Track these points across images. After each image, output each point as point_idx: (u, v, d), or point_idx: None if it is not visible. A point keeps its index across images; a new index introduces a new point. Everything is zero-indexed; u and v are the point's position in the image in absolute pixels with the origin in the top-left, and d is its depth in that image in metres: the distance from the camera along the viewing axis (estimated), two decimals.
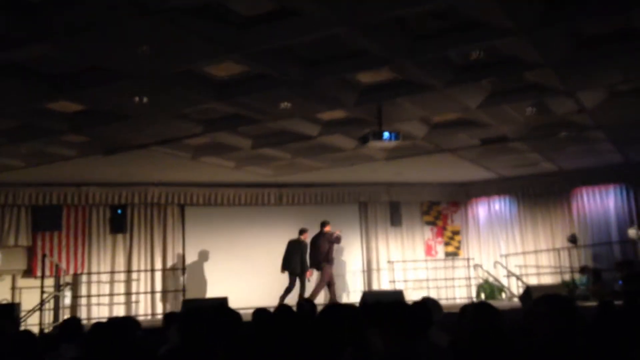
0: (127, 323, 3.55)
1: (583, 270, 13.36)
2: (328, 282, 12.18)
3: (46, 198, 12.97)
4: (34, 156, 10.50)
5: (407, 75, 7.66)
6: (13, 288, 12.59)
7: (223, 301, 9.07)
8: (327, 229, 12.42)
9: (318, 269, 12.20)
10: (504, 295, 14.42)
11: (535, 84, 8.22)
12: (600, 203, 14.45)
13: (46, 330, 10.50)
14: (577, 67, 7.49)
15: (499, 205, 15.74)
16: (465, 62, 7.41)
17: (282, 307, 3.75)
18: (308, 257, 12.27)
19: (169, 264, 14.02)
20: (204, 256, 14.25)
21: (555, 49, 6.87)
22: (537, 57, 7.02)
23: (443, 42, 6.59)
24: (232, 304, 9.21)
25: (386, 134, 8.79)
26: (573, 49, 6.95)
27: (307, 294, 11.71)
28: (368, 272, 15.28)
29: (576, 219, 14.62)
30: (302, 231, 12.66)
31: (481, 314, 3.63)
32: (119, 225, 13.64)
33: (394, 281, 14.69)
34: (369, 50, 6.70)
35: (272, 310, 4.74)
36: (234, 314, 3.70)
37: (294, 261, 12.12)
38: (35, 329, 9.99)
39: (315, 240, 12.39)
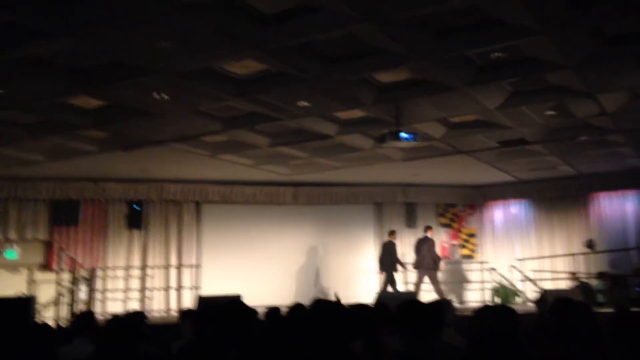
0: (138, 317, 3.56)
1: (600, 276, 13.21)
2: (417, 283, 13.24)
3: (64, 193, 13.09)
4: (54, 151, 10.60)
5: (426, 74, 7.61)
6: (30, 281, 12.71)
7: (237, 298, 9.05)
8: (430, 233, 13.61)
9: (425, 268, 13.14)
10: (518, 299, 14.29)
11: (555, 86, 8.12)
12: (619, 208, 14.29)
13: (61, 324, 10.58)
14: (598, 68, 7.38)
15: (515, 208, 15.62)
16: (486, 62, 7.35)
17: (295, 305, 3.74)
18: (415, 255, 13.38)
19: (184, 260, 14.08)
20: (219, 253, 14.30)
21: (577, 49, 6.78)
22: (559, 58, 6.94)
23: (464, 41, 6.53)
24: (247, 301, 9.23)
25: (404, 134, 8.76)
26: (595, 49, 6.85)
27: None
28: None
29: (593, 224, 14.47)
30: (391, 232, 13.82)
31: (501, 317, 3.59)
32: (135, 221, 13.73)
33: (407, 283, 14.63)
34: (389, 48, 6.66)
35: (286, 308, 4.74)
36: (249, 311, 3.69)
37: (386, 260, 13.33)
38: (51, 323, 10.08)
39: (420, 243, 13.43)
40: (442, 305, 4.29)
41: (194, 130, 9.74)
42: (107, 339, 3.42)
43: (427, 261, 13.10)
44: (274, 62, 7.03)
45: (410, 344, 3.38)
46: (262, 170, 12.74)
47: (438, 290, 12.94)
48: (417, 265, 13.24)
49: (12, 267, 12.69)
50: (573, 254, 14.34)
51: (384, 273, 13.34)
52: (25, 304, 9.62)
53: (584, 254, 14.08)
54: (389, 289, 13.20)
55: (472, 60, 7.34)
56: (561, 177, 14.31)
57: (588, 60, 7.04)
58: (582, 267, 14.12)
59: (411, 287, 14.10)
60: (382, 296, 10.94)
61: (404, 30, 6.24)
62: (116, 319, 3.66)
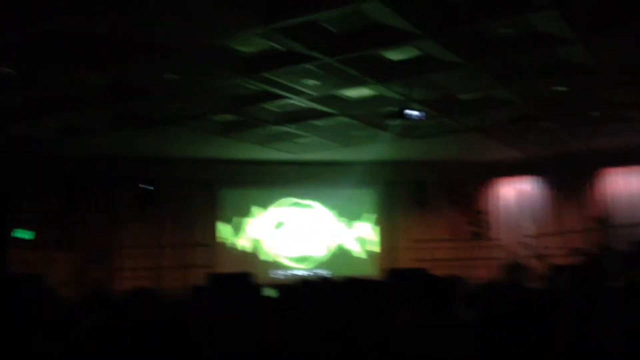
0: (150, 294, 3.60)
1: (611, 251, 13.17)
2: None
3: (78, 171, 13.14)
4: (65, 129, 10.64)
5: (435, 51, 7.55)
6: (44, 260, 12.80)
7: (249, 275, 9.11)
8: None
9: None
10: (529, 276, 14.28)
11: (565, 61, 8.04)
12: (630, 184, 14.21)
13: (73, 301, 10.68)
14: (608, 40, 7.29)
15: (526, 185, 15.55)
16: (495, 37, 7.28)
17: (305, 280, 3.78)
18: None
19: (198, 239, 14.17)
20: (232, 232, 14.41)
21: (586, 21, 6.71)
22: (568, 33, 6.86)
23: (474, 16, 6.48)
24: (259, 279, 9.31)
25: (412, 111, 8.73)
26: (603, 20, 6.76)
27: None
28: (392, 250, 15.29)
29: (605, 199, 14.41)
30: None
31: (510, 292, 3.62)
32: (148, 199, 13.78)
33: (419, 259, 14.67)
34: (397, 25, 6.61)
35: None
36: (257, 287, 3.73)
37: None
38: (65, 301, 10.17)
39: None
40: (454, 280, 4.31)
41: (203, 109, 9.75)
42: (120, 315, 3.47)
43: None
44: (281, 40, 7.00)
45: (421, 318, 3.40)
46: (270, 150, 12.75)
47: None
48: None
49: (27, 246, 12.76)
50: (584, 230, 14.30)
51: None
52: (35, 281, 9.70)
53: (595, 229, 14.03)
54: None
55: (481, 36, 7.28)
56: (572, 153, 14.20)
57: (598, 33, 6.96)
58: (593, 243, 14.08)
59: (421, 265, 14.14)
60: (393, 272, 10.96)
61: (413, 5, 6.19)
62: (129, 294, 3.70)
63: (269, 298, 3.72)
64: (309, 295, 3.49)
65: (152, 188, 13.69)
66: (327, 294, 3.49)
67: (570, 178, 14.86)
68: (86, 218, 13.30)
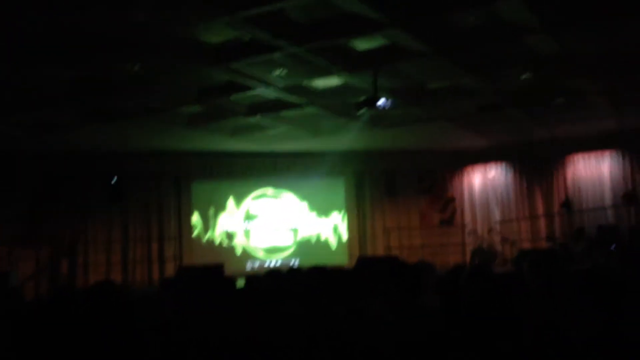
0: (113, 288, 3.54)
1: (578, 234, 13.42)
2: None
3: (45, 166, 12.91)
4: (31, 125, 10.42)
5: (403, 41, 7.57)
6: (9, 256, 12.58)
7: (218, 267, 9.09)
8: None
9: None
10: (497, 260, 14.51)
11: (532, 50, 8.13)
12: (595, 169, 14.50)
13: (41, 299, 10.54)
14: (572, 29, 7.39)
15: (494, 172, 15.75)
16: (462, 27, 7.33)
17: (271, 271, 3.78)
18: None
19: (165, 232, 14.06)
20: (203, 224, 14.33)
21: (551, 10, 6.79)
22: (534, 21, 6.94)
23: (440, 6, 6.51)
24: (228, 271, 9.28)
25: (381, 101, 8.74)
26: (568, 9, 6.85)
27: None
28: (363, 238, 15.39)
29: (571, 184, 14.67)
30: None
31: (475, 277, 3.65)
32: (115, 194, 13.61)
33: (389, 247, 14.79)
34: (364, 14, 6.61)
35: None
36: (228, 280, 3.71)
37: None
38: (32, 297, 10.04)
39: None
40: (422, 266, 4.33)
41: (170, 101, 9.63)
42: (87, 310, 3.41)
43: None
44: (248, 29, 6.94)
45: (389, 307, 3.42)
46: (239, 141, 12.66)
47: None
48: None
49: None
50: (551, 215, 14.56)
51: None
52: (3, 279, 9.56)
53: (561, 214, 14.29)
54: None
55: (449, 26, 7.31)
56: (538, 140, 14.42)
57: (562, 22, 7.05)
58: (559, 227, 14.35)
59: (392, 253, 14.26)
60: (362, 261, 11.03)
61: None
62: (94, 288, 3.64)
63: (236, 290, 3.71)
64: (275, 286, 3.48)
65: (114, 181, 13.46)
66: (292, 284, 3.49)
67: (536, 164, 15.11)
68: (54, 213, 13.08)
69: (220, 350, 2.41)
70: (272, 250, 14.79)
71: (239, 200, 14.74)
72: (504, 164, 15.59)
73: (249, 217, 14.76)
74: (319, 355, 2.19)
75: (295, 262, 14.36)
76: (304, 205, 15.18)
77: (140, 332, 2.92)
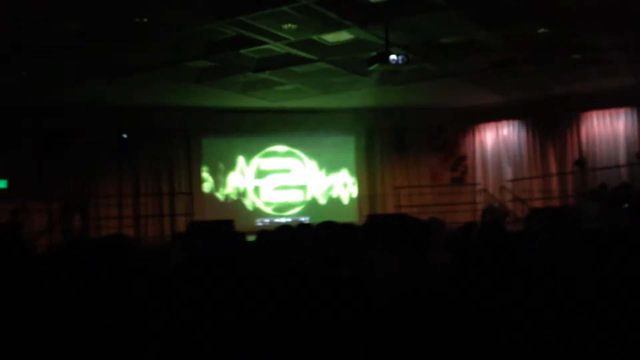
0: (126, 240, 3.55)
1: (592, 193, 13.32)
2: None
3: (53, 121, 12.90)
4: (37, 79, 10.36)
5: None
6: (21, 210, 12.69)
7: (228, 223, 9.13)
8: None
9: None
10: (509, 219, 14.48)
11: (549, 3, 7.93)
12: (610, 127, 14.30)
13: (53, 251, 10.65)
14: None
15: (506, 130, 15.59)
16: None
17: (282, 226, 3.77)
18: None
19: (176, 188, 14.12)
20: (213, 180, 14.38)
21: None
22: None
23: None
24: (238, 227, 9.32)
25: (393, 56, 8.59)
26: None
27: None
28: (373, 197, 15.38)
29: (585, 142, 14.51)
30: None
31: (487, 234, 3.62)
32: (124, 149, 13.63)
33: (399, 206, 14.78)
34: None
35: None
36: (237, 234, 3.70)
37: None
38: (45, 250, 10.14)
39: None
40: (433, 223, 4.32)
41: (178, 55, 9.52)
42: (98, 262, 3.42)
43: None
44: None
45: (398, 263, 3.40)
46: (249, 97, 12.56)
47: None
48: None
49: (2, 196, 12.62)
50: (564, 173, 14.45)
51: None
52: (13, 230, 9.62)
53: (575, 172, 14.17)
54: None
55: None
56: (552, 97, 14.20)
57: None
58: (572, 186, 14.26)
59: (402, 211, 14.26)
60: (372, 218, 11.04)
61: None
62: (105, 241, 3.65)
63: (246, 243, 3.71)
64: (286, 240, 3.48)
65: (125, 136, 13.47)
66: (303, 238, 3.48)
67: (550, 122, 14.92)
68: (63, 168, 13.13)
69: (228, 300, 2.41)
70: (281, 208, 14.83)
71: (248, 157, 14.74)
72: (516, 122, 15.41)
73: (259, 174, 14.77)
74: (323, 304, 2.18)
75: (305, 219, 14.40)
76: (313, 163, 15.16)
77: (151, 282, 2.93)
